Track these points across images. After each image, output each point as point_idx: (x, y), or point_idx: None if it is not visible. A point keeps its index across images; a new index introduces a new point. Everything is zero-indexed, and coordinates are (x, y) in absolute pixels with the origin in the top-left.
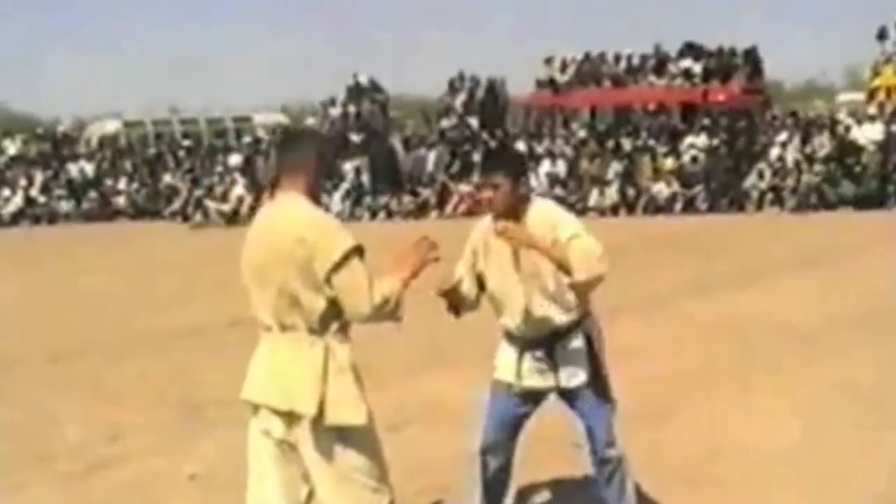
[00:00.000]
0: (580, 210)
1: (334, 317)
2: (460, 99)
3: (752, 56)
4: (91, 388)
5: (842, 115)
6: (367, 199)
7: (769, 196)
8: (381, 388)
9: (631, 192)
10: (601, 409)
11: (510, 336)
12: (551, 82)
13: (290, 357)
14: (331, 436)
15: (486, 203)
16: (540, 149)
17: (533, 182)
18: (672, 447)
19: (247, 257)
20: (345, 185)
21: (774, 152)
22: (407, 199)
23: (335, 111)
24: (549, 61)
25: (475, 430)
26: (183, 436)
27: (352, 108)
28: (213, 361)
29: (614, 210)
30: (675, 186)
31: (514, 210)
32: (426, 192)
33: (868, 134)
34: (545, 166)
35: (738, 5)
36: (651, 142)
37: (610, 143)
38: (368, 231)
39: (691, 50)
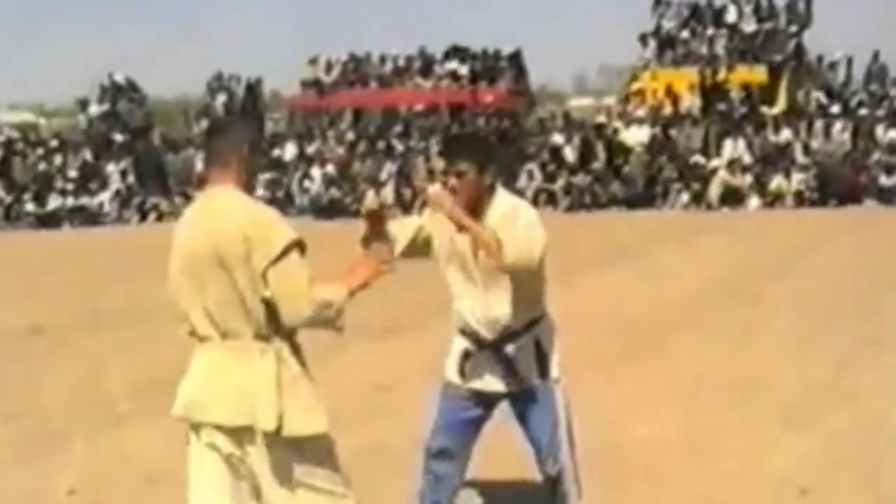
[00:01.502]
0: (356, 211)
1: (277, 321)
2: (220, 99)
3: (516, 59)
4: None
5: (601, 118)
6: (136, 201)
7: (542, 196)
8: None
9: (407, 192)
10: (545, 421)
11: (462, 332)
12: (316, 83)
13: (238, 368)
14: (287, 448)
15: (449, 191)
16: (311, 150)
17: (307, 184)
18: None
19: (178, 258)
20: (113, 187)
21: (546, 154)
22: (178, 200)
23: (94, 110)
24: (313, 61)
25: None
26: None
27: (108, 108)
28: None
29: (389, 210)
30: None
31: (478, 200)
32: (197, 194)
33: (636, 136)
34: (317, 170)
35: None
36: (423, 143)
37: (381, 144)
38: (141, 234)
39: (457, 52)
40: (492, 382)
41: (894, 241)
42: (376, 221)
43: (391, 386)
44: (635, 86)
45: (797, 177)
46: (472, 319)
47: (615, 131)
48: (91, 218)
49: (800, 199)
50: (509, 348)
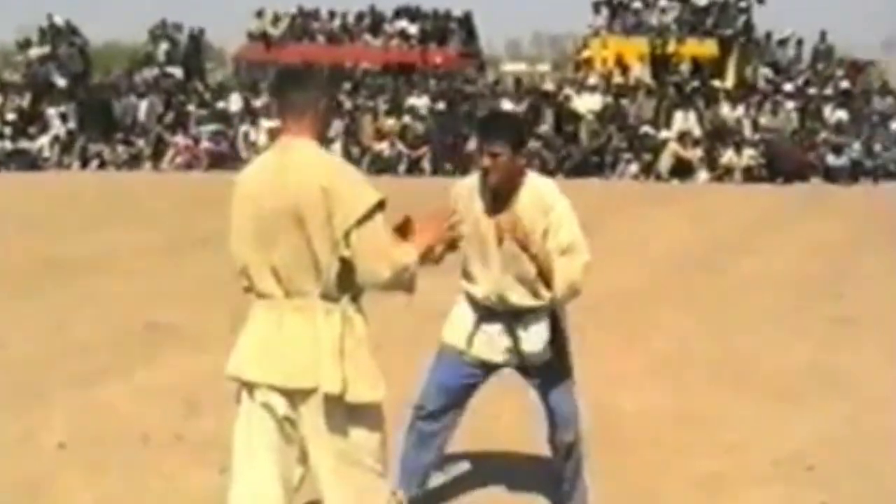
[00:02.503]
0: None
1: (352, 281)
2: (162, 48)
3: (466, 21)
4: None
5: (549, 85)
6: (77, 147)
7: None
8: None
9: (355, 150)
10: (563, 389)
11: (472, 301)
12: (263, 36)
13: (301, 328)
14: (343, 414)
15: (482, 172)
16: (258, 103)
17: (253, 136)
18: None
19: (247, 211)
20: (52, 132)
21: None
22: (120, 148)
23: (34, 52)
24: (260, 14)
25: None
26: (18, 401)
27: (48, 51)
28: None
29: None
30: (400, 146)
31: (511, 181)
32: (140, 143)
33: (587, 104)
34: (266, 122)
35: None
36: (371, 102)
37: None
38: (85, 180)
39: (407, 12)
40: (501, 354)
41: (849, 220)
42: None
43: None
44: (585, 53)
45: (747, 152)
46: (485, 296)
47: (567, 98)
48: (30, 162)
49: (748, 175)
50: (522, 321)
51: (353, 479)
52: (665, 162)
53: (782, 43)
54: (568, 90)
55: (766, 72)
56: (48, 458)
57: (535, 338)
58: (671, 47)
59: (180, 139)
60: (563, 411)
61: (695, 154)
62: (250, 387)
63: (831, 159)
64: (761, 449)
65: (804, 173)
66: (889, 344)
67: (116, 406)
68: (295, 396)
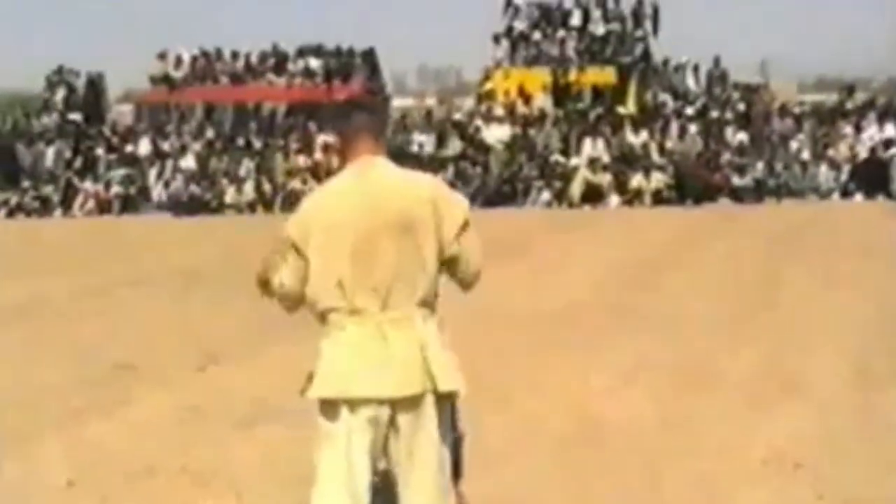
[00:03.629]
0: (217, 207)
1: (437, 288)
2: (60, 94)
3: (370, 57)
4: None
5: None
6: None
7: None
8: None
9: (267, 188)
10: None
11: None
12: (166, 78)
13: (407, 337)
14: (444, 412)
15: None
16: (166, 146)
17: (164, 179)
18: (544, 423)
19: (340, 234)
20: None
21: (409, 151)
22: (30, 195)
23: None
24: (162, 56)
25: None
26: (17, 443)
27: None
28: None
29: (251, 207)
30: (311, 183)
31: None
32: (48, 189)
33: (496, 135)
34: (181, 162)
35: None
36: (281, 140)
37: (240, 141)
38: None
39: (311, 49)
40: None
41: (760, 236)
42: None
43: None
44: (488, 85)
45: (655, 176)
46: None
47: (477, 129)
48: None
49: (658, 198)
50: None
51: (444, 478)
52: (576, 188)
53: (679, 69)
54: (478, 121)
55: (665, 97)
56: (60, 496)
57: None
58: (572, 76)
59: (89, 185)
60: None
61: (604, 179)
62: (353, 404)
63: (736, 180)
64: (746, 450)
65: (712, 194)
66: (833, 346)
67: (109, 443)
68: (399, 405)
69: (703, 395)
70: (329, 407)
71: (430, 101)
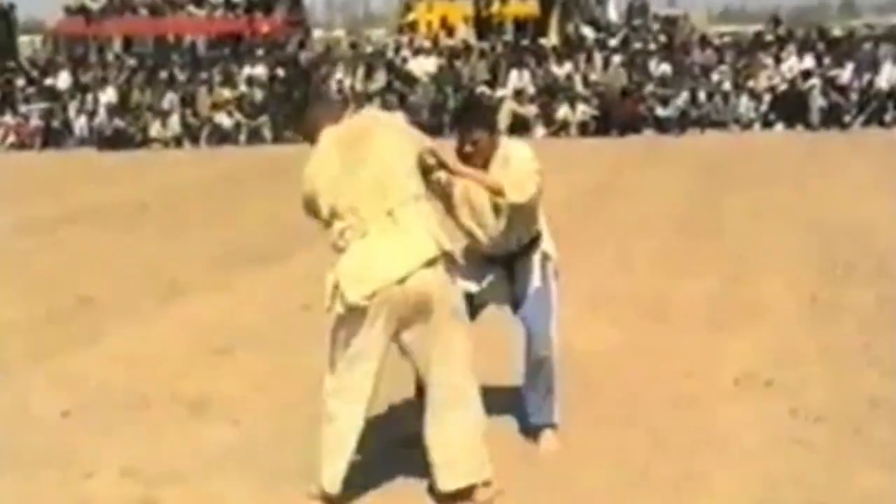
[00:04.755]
0: (142, 141)
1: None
2: None
3: None
4: None
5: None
6: None
7: None
8: None
9: (193, 122)
10: (543, 313)
11: (472, 254)
12: (83, 9)
13: (413, 222)
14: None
15: (463, 157)
16: (86, 78)
17: (85, 113)
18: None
19: (339, 156)
20: None
21: (334, 84)
22: None
23: None
24: None
25: None
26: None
27: None
28: None
29: (177, 141)
30: (238, 117)
31: (490, 155)
32: None
33: (422, 66)
34: (102, 96)
35: None
36: (205, 74)
37: (163, 74)
38: None
39: None
40: (502, 296)
41: (688, 166)
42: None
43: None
44: (410, 17)
45: (581, 107)
46: (487, 249)
47: (404, 60)
48: None
49: (583, 129)
50: (520, 263)
51: (463, 327)
52: (503, 119)
53: (600, 1)
54: (405, 52)
55: (587, 29)
56: (59, 426)
57: (528, 276)
58: (494, 8)
59: (9, 118)
60: (538, 329)
61: (530, 111)
62: (380, 291)
63: (660, 111)
64: (717, 371)
65: (636, 125)
66: (780, 272)
67: (93, 375)
68: (427, 273)
69: (664, 321)
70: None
71: (339, 33)
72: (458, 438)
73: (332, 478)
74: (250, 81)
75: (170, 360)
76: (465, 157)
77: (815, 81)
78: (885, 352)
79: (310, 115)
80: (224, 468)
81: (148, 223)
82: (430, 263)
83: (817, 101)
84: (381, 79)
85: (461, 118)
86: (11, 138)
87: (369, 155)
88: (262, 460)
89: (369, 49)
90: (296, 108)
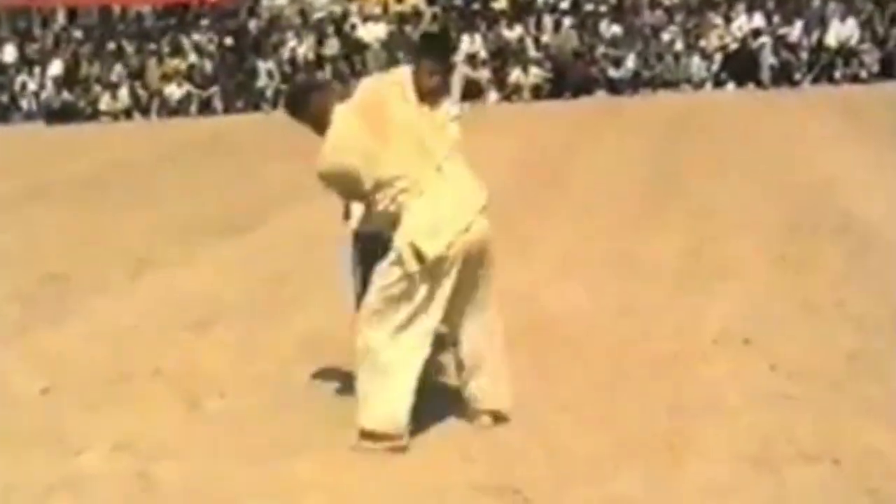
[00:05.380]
0: (91, 114)
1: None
2: None
3: None
4: None
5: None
6: None
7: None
8: None
9: (143, 94)
10: None
11: None
12: None
13: (460, 172)
14: None
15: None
16: (32, 52)
17: (32, 86)
18: None
19: (377, 125)
20: None
21: (286, 52)
22: None
23: None
24: None
25: None
26: None
27: None
28: None
29: (127, 113)
30: (188, 87)
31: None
32: None
33: (373, 33)
34: (50, 69)
35: None
36: (153, 45)
37: (111, 45)
38: None
39: None
40: None
41: (649, 128)
42: None
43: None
44: None
45: (533, 70)
46: None
47: (353, 27)
48: None
49: (536, 92)
50: None
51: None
52: (456, 84)
53: None
54: (354, 19)
55: None
56: (40, 403)
57: None
58: None
59: None
60: None
61: (483, 75)
62: (457, 241)
63: (612, 72)
64: (695, 331)
65: (589, 87)
66: (747, 232)
67: (71, 351)
68: (483, 220)
69: (638, 283)
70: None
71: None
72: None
73: (398, 419)
74: (199, 51)
75: (147, 335)
76: (431, 91)
77: (765, 40)
78: (858, 307)
79: (318, 104)
80: (215, 441)
81: (107, 198)
82: (483, 211)
83: (768, 60)
84: (332, 45)
85: (424, 49)
86: None
87: (396, 122)
88: (251, 432)
89: (317, 16)
90: (294, 101)
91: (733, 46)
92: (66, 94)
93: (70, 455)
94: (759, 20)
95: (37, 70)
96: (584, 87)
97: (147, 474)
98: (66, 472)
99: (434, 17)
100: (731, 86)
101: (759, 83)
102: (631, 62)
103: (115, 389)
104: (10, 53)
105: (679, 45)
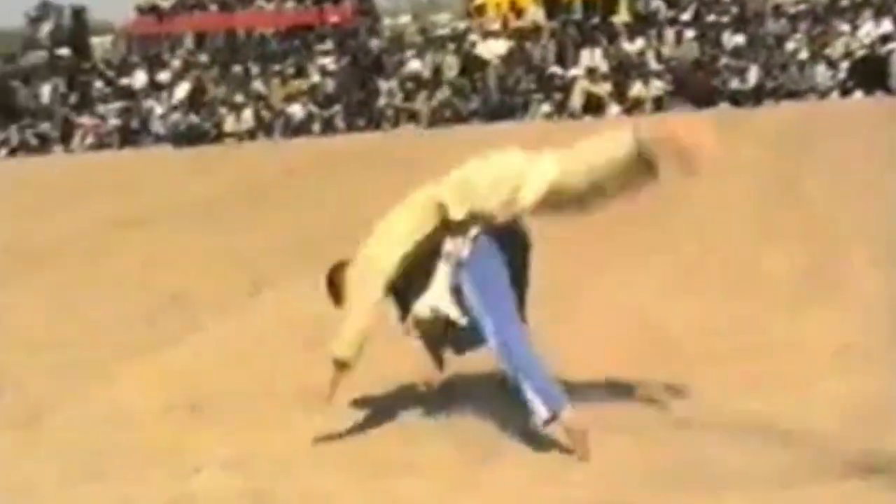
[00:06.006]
0: (216, 136)
1: None
2: (45, 29)
3: None
4: None
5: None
6: None
7: (404, 115)
8: None
9: (267, 115)
10: None
11: None
12: (154, 8)
13: None
14: None
15: None
16: (163, 77)
17: (160, 110)
18: (605, 332)
19: None
20: None
21: (406, 70)
22: (28, 133)
23: None
24: None
25: None
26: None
27: None
28: None
29: (251, 134)
30: (311, 107)
31: None
32: (45, 126)
33: (493, 49)
34: (177, 92)
35: None
36: (277, 66)
37: (236, 68)
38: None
39: None
40: None
41: (770, 140)
42: None
43: None
44: (478, 0)
45: (654, 83)
46: None
47: (473, 45)
48: None
49: (657, 105)
50: None
51: None
52: (577, 99)
53: None
54: (474, 36)
55: (658, 4)
56: (158, 423)
57: None
58: None
59: (87, 119)
60: None
61: (604, 89)
62: None
63: (735, 83)
64: (813, 345)
65: (711, 99)
66: (862, 249)
67: (191, 370)
68: None
69: (753, 297)
70: None
71: (405, 19)
72: None
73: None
74: (322, 71)
75: (266, 354)
76: None
77: (893, 46)
78: None
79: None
80: (330, 460)
81: (229, 217)
82: None
83: None
84: (452, 63)
85: None
86: (90, 139)
87: None
88: (367, 452)
89: (437, 34)
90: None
91: (860, 53)
92: (192, 117)
93: (186, 474)
94: (887, 26)
95: (165, 94)
96: (705, 99)
97: (262, 492)
98: (183, 489)
99: (552, 32)
100: (858, 94)
101: (888, 90)
102: (754, 73)
103: (233, 408)
104: (140, 79)
105: (804, 54)
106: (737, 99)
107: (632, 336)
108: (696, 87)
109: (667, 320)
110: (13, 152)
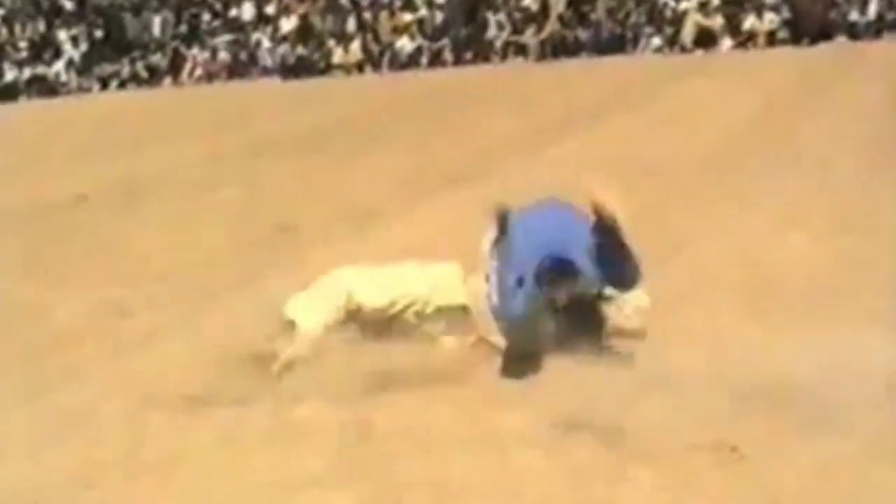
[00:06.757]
0: (325, 68)
1: None
2: None
3: None
4: None
5: None
6: (96, 69)
7: (512, 48)
8: None
9: (374, 48)
10: None
11: None
12: None
13: None
14: None
15: None
16: (270, 8)
17: (268, 44)
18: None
19: None
20: (66, 55)
21: (515, 2)
22: (138, 66)
23: None
24: None
25: None
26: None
27: None
28: None
29: (359, 67)
30: (420, 40)
31: None
32: (156, 58)
33: None
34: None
35: None
36: None
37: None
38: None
39: None
40: None
41: (889, 78)
42: None
43: None
44: None
45: (768, 16)
46: None
47: None
48: (49, 88)
49: (771, 39)
50: None
51: None
52: (688, 32)
53: None
54: None
55: None
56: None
57: None
58: None
59: (196, 51)
60: None
61: (716, 22)
62: None
63: (854, 15)
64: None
65: (828, 32)
66: None
67: None
68: None
69: (865, 235)
70: None
71: None
72: None
73: None
74: (430, 4)
75: None
76: None
77: None
78: None
79: None
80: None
81: (334, 151)
82: None
83: None
84: None
85: None
86: (199, 71)
87: None
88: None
89: None
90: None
91: None
92: (300, 50)
93: (289, 406)
94: None
95: (273, 26)
96: (823, 33)
97: (366, 421)
98: (287, 421)
99: None
100: None
101: None
102: (874, 4)
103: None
104: (248, 11)
105: None
106: (855, 32)
107: (736, 270)
108: (811, 20)
109: (771, 255)
110: (123, 84)
